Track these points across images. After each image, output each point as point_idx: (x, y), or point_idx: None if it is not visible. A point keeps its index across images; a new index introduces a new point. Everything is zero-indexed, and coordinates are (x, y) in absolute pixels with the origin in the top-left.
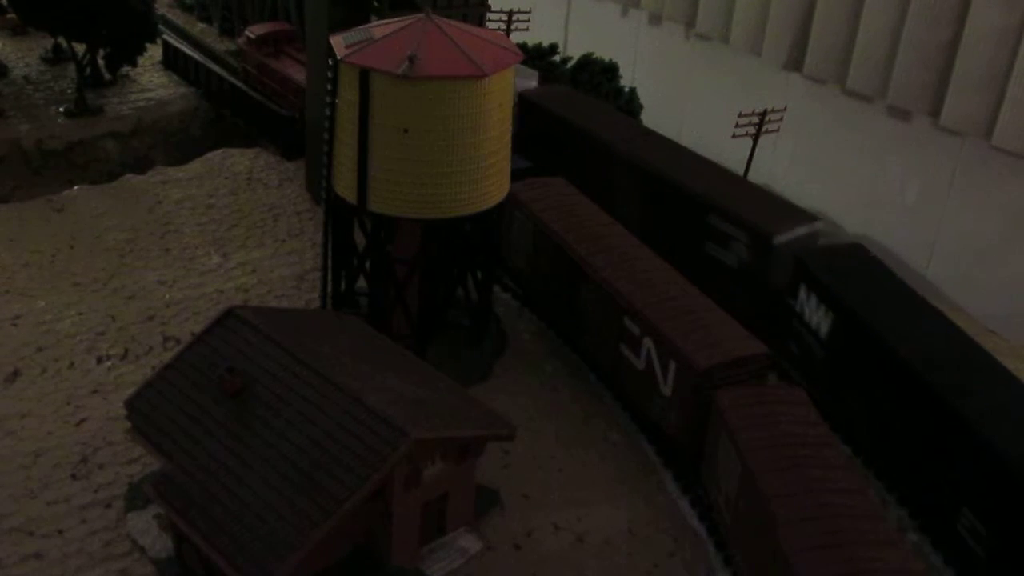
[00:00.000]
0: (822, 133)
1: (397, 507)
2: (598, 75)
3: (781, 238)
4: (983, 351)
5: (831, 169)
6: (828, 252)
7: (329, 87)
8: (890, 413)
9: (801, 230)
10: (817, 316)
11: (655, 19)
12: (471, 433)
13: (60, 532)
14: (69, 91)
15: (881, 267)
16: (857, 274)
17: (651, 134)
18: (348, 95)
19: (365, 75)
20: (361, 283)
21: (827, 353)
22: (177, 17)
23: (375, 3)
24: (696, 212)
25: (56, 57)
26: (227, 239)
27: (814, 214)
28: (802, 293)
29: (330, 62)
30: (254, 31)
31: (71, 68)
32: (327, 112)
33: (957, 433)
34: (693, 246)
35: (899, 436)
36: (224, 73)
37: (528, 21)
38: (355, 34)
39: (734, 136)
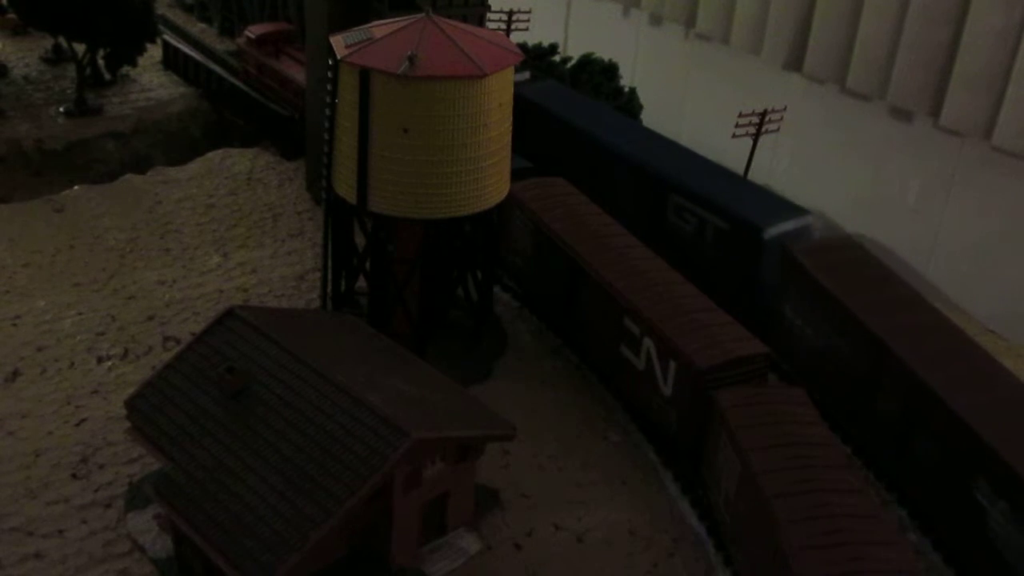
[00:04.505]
0: (822, 133)
1: (397, 507)
2: (598, 75)
3: None
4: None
5: (831, 169)
6: None
7: (329, 87)
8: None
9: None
10: None
11: (655, 19)
12: (471, 433)
13: (60, 532)
14: (69, 91)
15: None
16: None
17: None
18: (348, 95)
19: (365, 75)
20: (361, 283)
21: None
22: (177, 17)
23: (375, 3)
24: None
25: (56, 57)
26: (227, 239)
27: None
28: None
29: (330, 62)
30: (254, 31)
31: (71, 68)
32: (327, 112)
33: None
34: None
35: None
36: (224, 73)
37: (528, 21)
38: (355, 34)
39: (734, 136)
